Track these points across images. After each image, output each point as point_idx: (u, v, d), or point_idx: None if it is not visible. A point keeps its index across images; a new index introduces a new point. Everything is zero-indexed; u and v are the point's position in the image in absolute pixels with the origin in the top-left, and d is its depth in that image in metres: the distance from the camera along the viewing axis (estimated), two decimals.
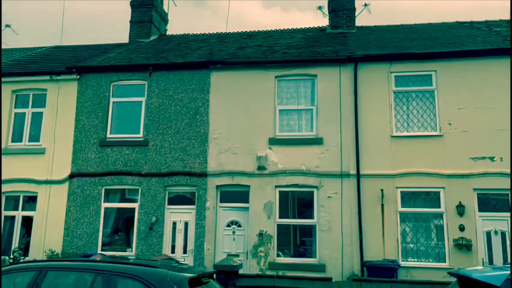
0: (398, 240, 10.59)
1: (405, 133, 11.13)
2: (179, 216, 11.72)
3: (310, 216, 11.20)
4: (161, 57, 13.04)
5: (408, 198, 10.89)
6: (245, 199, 11.45)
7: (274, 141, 11.50)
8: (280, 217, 11.24)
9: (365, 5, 16.39)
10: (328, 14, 15.92)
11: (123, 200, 12.16)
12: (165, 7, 17.99)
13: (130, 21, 16.83)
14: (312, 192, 11.24)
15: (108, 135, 12.36)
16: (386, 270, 9.50)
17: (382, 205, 10.73)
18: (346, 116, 11.36)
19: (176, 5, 18.72)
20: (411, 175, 10.80)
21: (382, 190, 10.73)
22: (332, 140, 11.29)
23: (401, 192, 10.85)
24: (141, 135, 12.21)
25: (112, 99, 12.59)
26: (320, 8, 16.71)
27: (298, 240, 11.43)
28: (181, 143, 11.91)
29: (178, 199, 11.91)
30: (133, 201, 11.97)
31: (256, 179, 11.40)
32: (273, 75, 11.90)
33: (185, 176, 11.72)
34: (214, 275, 5.65)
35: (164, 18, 17.72)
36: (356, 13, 15.30)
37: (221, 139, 11.77)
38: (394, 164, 10.92)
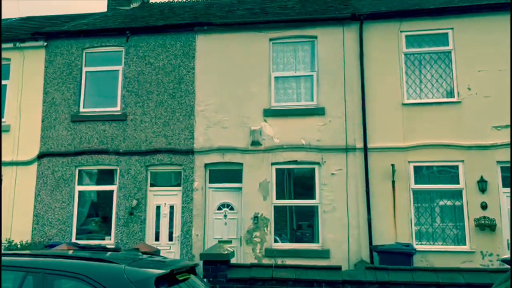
0: (411, 221, 9.34)
1: (418, 100, 9.79)
2: (163, 199, 10.38)
3: (312, 196, 9.90)
4: (141, 22, 11.53)
5: (422, 173, 9.61)
6: (238, 179, 10.13)
7: (269, 113, 10.13)
8: (278, 198, 9.94)
9: None
10: None
11: (99, 182, 10.78)
12: None
13: None
14: (313, 169, 9.92)
15: (81, 110, 10.91)
16: (400, 255, 8.24)
17: (393, 182, 9.45)
18: (351, 83, 9.99)
19: None
20: (425, 147, 9.50)
21: (392, 165, 9.44)
22: (336, 110, 9.94)
23: (414, 167, 9.56)
24: (118, 108, 10.78)
25: (85, 69, 11.11)
26: None
27: (298, 224, 10.15)
28: (164, 117, 10.50)
29: (162, 180, 10.55)
30: (111, 183, 10.58)
31: (250, 155, 10.05)
32: (268, 38, 10.46)
33: (169, 154, 10.34)
34: (197, 268, 4.30)
35: None
36: None
37: (209, 112, 10.37)
38: (406, 135, 9.61)
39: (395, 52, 9.95)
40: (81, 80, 11.02)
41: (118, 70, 10.96)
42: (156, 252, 8.71)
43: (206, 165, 10.21)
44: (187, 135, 10.34)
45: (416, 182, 9.52)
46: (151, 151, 10.39)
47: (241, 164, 10.07)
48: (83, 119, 10.76)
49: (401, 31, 10.01)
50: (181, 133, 10.37)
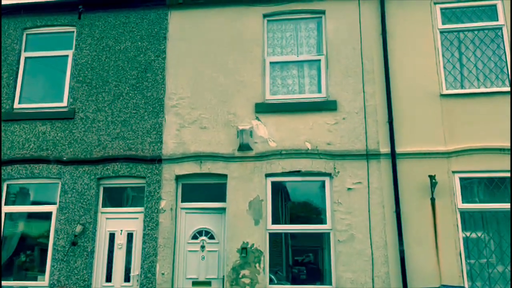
0: (460, 254, 6.70)
1: (461, 91, 7.35)
2: (119, 224, 7.66)
3: (321, 220, 7.27)
4: None
5: (472, 187, 7.06)
6: (221, 196, 7.49)
7: (263, 108, 7.62)
8: (274, 222, 7.28)
9: None
10: None
11: (35, 201, 8.04)
12: None
13: None
14: (323, 182, 7.33)
15: (16, 105, 8.30)
16: None
17: (433, 199, 6.88)
18: (371, 69, 7.56)
19: None
20: (475, 152, 6.99)
21: (431, 176, 6.87)
22: (351, 104, 7.45)
23: (461, 179, 7.01)
24: (64, 103, 8.19)
25: (24, 54, 8.57)
26: None
27: (302, 258, 7.47)
28: (124, 114, 7.93)
29: (118, 198, 7.86)
30: (50, 202, 7.86)
31: (237, 164, 7.46)
32: (261, 13, 8.07)
33: (129, 162, 7.70)
34: None
35: None
36: None
37: (183, 107, 7.83)
38: (447, 136, 7.12)
39: (428, 29, 7.58)
40: (18, 68, 8.47)
41: (67, 56, 8.43)
42: None
43: (177, 177, 7.57)
44: (154, 137, 7.75)
45: (464, 200, 6.94)
46: (105, 159, 7.74)
47: (225, 176, 7.45)
48: (18, 118, 8.15)
49: (434, 3, 7.68)
50: (146, 135, 7.78)
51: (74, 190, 7.68)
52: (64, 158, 7.83)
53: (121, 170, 7.68)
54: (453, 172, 6.98)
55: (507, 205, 6.76)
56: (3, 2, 8.55)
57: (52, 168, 7.84)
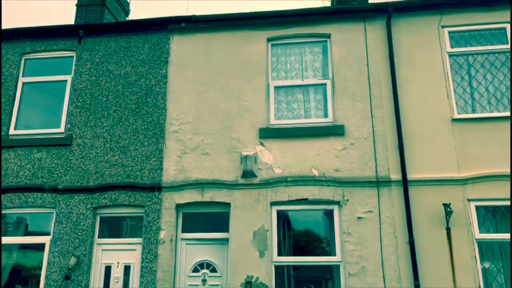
0: (480, 287, 6.28)
1: (474, 115, 7.08)
2: (116, 256, 7.23)
3: (329, 251, 6.87)
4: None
5: (489, 216, 6.69)
6: (223, 226, 7.11)
7: (267, 133, 7.33)
8: (280, 254, 6.88)
9: None
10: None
11: (28, 231, 7.65)
12: None
13: (76, 4, 12.95)
14: (331, 211, 6.96)
15: (12, 132, 8.02)
16: None
17: (448, 229, 6.49)
18: (379, 93, 7.33)
19: None
20: (491, 179, 6.65)
21: (445, 205, 6.52)
22: (360, 129, 7.18)
23: (477, 207, 6.65)
24: (62, 129, 7.91)
25: (22, 79, 8.36)
26: None
27: None
28: (123, 140, 7.63)
29: (115, 229, 7.47)
30: (44, 233, 7.47)
31: (241, 192, 7.11)
32: (265, 37, 7.90)
33: (127, 190, 7.35)
34: None
35: (124, 7, 13.77)
36: None
37: (185, 132, 7.55)
38: (461, 162, 6.80)
39: (436, 52, 7.39)
40: (15, 93, 8.24)
41: (66, 81, 8.22)
42: None
43: (178, 206, 7.21)
44: (154, 164, 7.43)
45: (482, 230, 6.56)
46: (102, 187, 7.40)
47: (228, 204, 7.09)
48: (13, 145, 7.84)
49: (442, 26, 7.52)
50: (145, 162, 7.46)
51: (69, 220, 7.30)
52: (60, 186, 7.49)
53: (119, 199, 7.32)
54: (469, 200, 6.63)
55: None
56: (2, 27, 8.41)
57: (47, 197, 7.48)
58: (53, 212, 7.44)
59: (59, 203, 7.42)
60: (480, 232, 6.52)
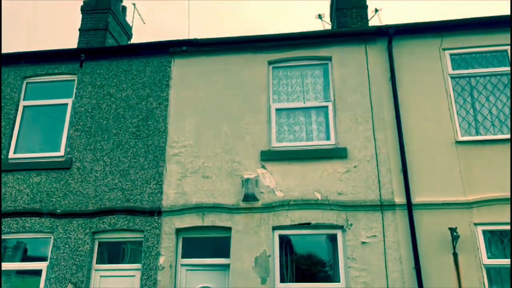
0: None
1: (478, 137, 6.99)
2: (114, 282, 7.04)
3: (333, 277, 6.67)
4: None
5: (497, 241, 6.52)
6: (224, 251, 6.94)
7: (269, 156, 7.25)
8: (282, 280, 6.69)
9: (376, 10, 12.97)
10: (330, 22, 12.39)
11: (25, 257, 7.48)
12: (128, 20, 14.40)
13: (79, 29, 13.10)
14: (335, 235, 6.81)
15: (11, 155, 7.95)
16: None
17: (455, 254, 6.32)
18: (381, 116, 7.27)
19: (144, 23, 15.02)
20: (497, 202, 6.52)
21: (451, 229, 6.37)
22: (362, 152, 7.09)
23: (484, 232, 6.49)
24: (61, 153, 7.84)
25: (23, 103, 8.35)
26: (320, 17, 13.19)
27: None
28: (123, 164, 7.55)
29: (113, 254, 7.30)
30: (41, 258, 7.31)
31: (242, 216, 6.98)
32: (266, 60, 7.91)
33: (127, 215, 7.22)
34: None
35: (126, 31, 13.96)
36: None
37: (185, 155, 7.47)
38: (466, 186, 6.68)
39: (438, 74, 7.37)
40: (15, 117, 8.21)
41: (67, 104, 8.20)
42: None
43: (178, 231, 7.07)
44: (154, 188, 7.32)
45: (490, 255, 6.39)
46: (101, 211, 7.28)
47: (229, 229, 6.95)
48: (12, 169, 7.76)
49: (443, 49, 7.51)
50: (145, 185, 7.36)
51: (67, 246, 7.15)
52: (58, 211, 7.37)
53: (118, 223, 7.19)
54: (475, 224, 6.48)
55: None
56: (4, 51, 8.45)
57: (45, 222, 7.35)
58: (50, 237, 7.30)
59: (57, 228, 7.28)
60: (488, 258, 6.35)
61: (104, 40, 12.46)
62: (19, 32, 31.54)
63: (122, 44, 12.47)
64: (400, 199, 6.73)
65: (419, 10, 30.44)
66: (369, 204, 6.76)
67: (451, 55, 7.51)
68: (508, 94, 7.19)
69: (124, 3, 13.01)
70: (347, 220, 6.73)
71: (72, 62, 8.42)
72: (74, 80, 8.36)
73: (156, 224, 7.08)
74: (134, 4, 12.90)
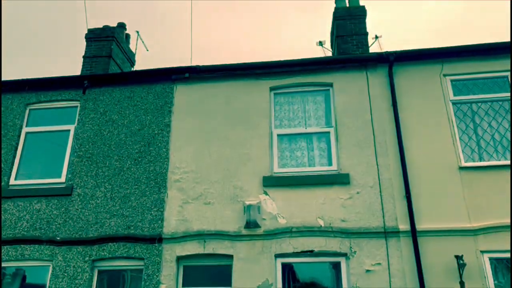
0: None
1: (481, 163, 6.95)
2: None
3: None
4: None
5: (503, 268, 6.38)
6: (226, 280, 6.80)
7: (271, 182, 7.20)
8: None
9: (376, 37, 13.15)
10: (331, 49, 12.55)
11: (24, 285, 7.35)
12: (131, 47, 14.62)
13: (83, 56, 13.29)
14: (338, 263, 6.68)
15: (12, 182, 7.92)
16: None
17: (462, 283, 6.17)
18: (383, 141, 7.25)
19: (147, 50, 15.25)
20: (503, 229, 6.42)
21: (458, 257, 6.25)
22: (365, 178, 7.04)
23: (491, 259, 6.37)
24: (62, 179, 7.81)
25: (25, 129, 8.38)
26: (320, 43, 13.37)
27: None
28: (124, 190, 7.50)
29: (113, 282, 7.16)
30: (40, 286, 7.17)
31: (244, 244, 6.87)
32: (267, 86, 7.97)
33: (127, 242, 7.13)
34: None
35: (129, 58, 14.14)
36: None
37: (187, 181, 7.42)
38: (471, 212, 6.59)
39: (439, 100, 7.39)
40: (17, 143, 8.22)
41: (69, 131, 8.22)
42: None
43: (178, 258, 6.95)
44: (155, 214, 7.25)
45: (497, 283, 6.25)
46: (101, 239, 7.18)
47: (231, 257, 6.83)
48: (13, 195, 7.72)
49: (444, 75, 7.56)
50: (146, 212, 7.29)
51: (65, 274, 7.02)
52: (58, 238, 7.28)
53: (118, 251, 7.08)
54: (482, 251, 6.36)
55: None
56: (8, 78, 8.54)
57: (44, 249, 7.26)
58: (49, 265, 7.18)
59: (56, 255, 7.18)
60: (495, 286, 6.21)
61: (107, 67, 12.62)
62: (24, 58, 32.01)
63: (126, 70, 12.61)
64: (404, 225, 6.64)
65: (419, 36, 30.85)
66: (373, 231, 6.66)
67: (452, 81, 7.55)
68: (510, 119, 7.19)
69: (128, 31, 13.22)
70: (351, 247, 6.62)
71: (75, 89, 8.49)
72: (77, 106, 8.41)
73: (156, 252, 6.97)
74: (137, 32, 13.06)
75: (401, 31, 31.49)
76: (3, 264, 7.30)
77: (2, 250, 7.31)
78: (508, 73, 7.44)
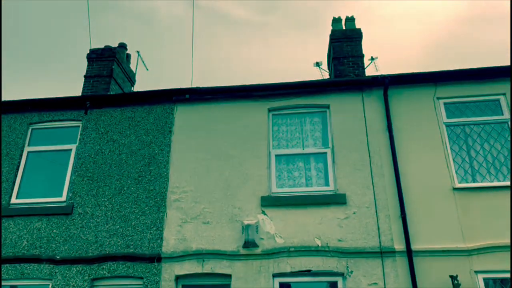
0: None
1: (475, 184, 7.11)
2: None
3: None
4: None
5: None
6: None
7: (269, 202, 7.33)
8: None
9: (372, 58, 13.44)
10: (328, 70, 12.83)
11: None
12: (132, 66, 14.86)
13: (84, 76, 13.50)
14: (335, 283, 6.77)
15: (13, 201, 8.01)
16: None
17: None
18: (379, 162, 7.42)
19: (148, 69, 15.50)
20: (497, 250, 6.54)
21: (452, 277, 6.35)
22: (361, 198, 7.18)
23: (485, 280, 6.48)
24: (63, 198, 7.91)
25: (27, 148, 8.51)
26: (317, 64, 13.65)
27: None
28: (124, 209, 7.60)
29: None
30: None
31: (242, 263, 6.96)
32: (266, 108, 8.16)
33: (127, 261, 7.20)
34: None
35: (130, 78, 14.37)
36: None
37: (186, 201, 7.54)
38: (465, 232, 6.72)
39: (433, 122, 7.59)
40: (19, 162, 8.34)
41: (71, 150, 8.36)
42: None
43: (177, 278, 7.02)
44: (154, 234, 7.34)
45: None
46: (101, 258, 7.25)
47: (229, 276, 6.91)
48: (13, 214, 7.81)
49: (437, 98, 7.79)
50: (146, 231, 7.38)
51: None
52: (57, 257, 7.34)
53: (117, 270, 7.15)
54: (476, 272, 6.47)
55: None
56: (11, 98, 8.72)
57: (44, 268, 7.31)
58: (49, 284, 7.23)
59: (55, 274, 7.23)
60: None
61: (108, 86, 12.83)
62: (26, 78, 32.31)
63: (126, 90, 12.82)
64: (399, 246, 6.75)
65: (414, 58, 31.36)
66: (369, 251, 6.77)
67: (445, 103, 7.77)
68: (502, 142, 7.38)
69: (128, 51, 13.45)
70: (348, 267, 6.72)
71: (77, 109, 8.65)
72: (79, 126, 8.56)
73: (155, 271, 7.04)
74: (138, 52, 13.31)
75: (397, 54, 31.99)
76: (3, 283, 7.34)
77: (2, 269, 7.36)
78: (500, 97, 7.66)
